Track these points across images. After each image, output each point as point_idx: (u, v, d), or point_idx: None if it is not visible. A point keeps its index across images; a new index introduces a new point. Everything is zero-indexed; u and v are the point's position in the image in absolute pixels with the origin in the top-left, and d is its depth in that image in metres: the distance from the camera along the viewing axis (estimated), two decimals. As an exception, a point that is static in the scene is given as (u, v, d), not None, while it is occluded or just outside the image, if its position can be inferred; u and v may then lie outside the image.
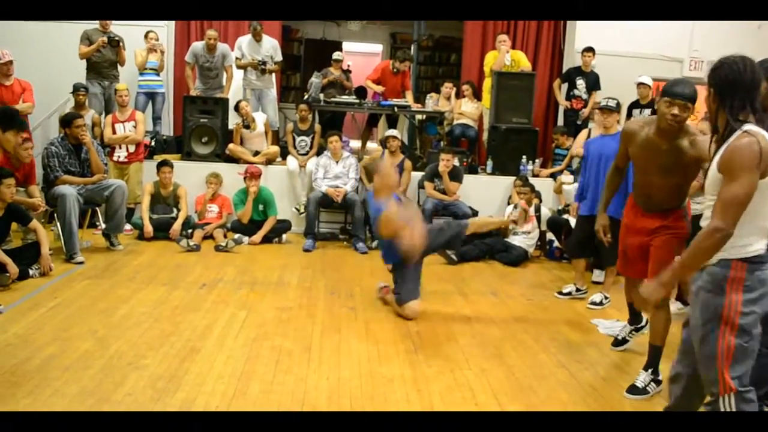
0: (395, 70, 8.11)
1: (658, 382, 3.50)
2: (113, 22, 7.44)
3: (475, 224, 5.19)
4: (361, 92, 8.48)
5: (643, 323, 3.95)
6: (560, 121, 8.66)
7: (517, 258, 6.35)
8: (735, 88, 2.31)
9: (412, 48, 10.34)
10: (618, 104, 5.00)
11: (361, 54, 12.69)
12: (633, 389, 3.47)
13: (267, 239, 6.66)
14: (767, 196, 2.30)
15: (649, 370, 3.49)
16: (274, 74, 8.19)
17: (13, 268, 4.67)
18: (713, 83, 2.38)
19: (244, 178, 6.79)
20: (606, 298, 5.00)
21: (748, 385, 2.38)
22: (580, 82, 8.17)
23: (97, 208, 6.33)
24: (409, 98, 8.12)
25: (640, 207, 3.53)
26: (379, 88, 8.14)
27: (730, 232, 2.27)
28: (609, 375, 3.69)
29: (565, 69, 8.76)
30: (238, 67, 7.94)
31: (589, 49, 8.08)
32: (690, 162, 3.30)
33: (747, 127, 2.28)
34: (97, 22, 7.34)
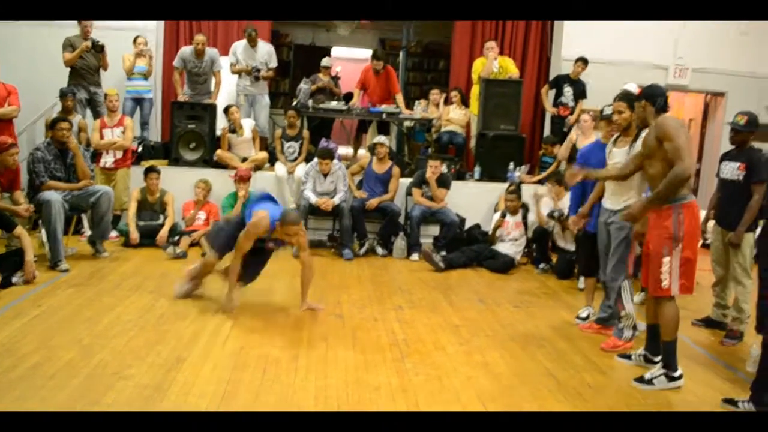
0: (374, 71, 8.13)
1: (671, 378, 3.59)
2: (97, 25, 7.40)
3: None
4: (349, 98, 8.49)
5: (657, 359, 3.85)
6: (547, 128, 8.72)
7: (504, 265, 6.38)
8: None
9: (401, 54, 10.37)
10: None
11: (351, 60, 12.68)
12: (640, 378, 3.63)
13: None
14: None
15: (662, 365, 3.63)
16: (267, 80, 8.18)
17: (-4, 276, 4.62)
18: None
19: (234, 182, 6.77)
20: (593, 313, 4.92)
21: None
22: (568, 90, 8.22)
23: (83, 215, 6.30)
24: (399, 102, 8.12)
25: None
26: (356, 99, 8.14)
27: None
28: (596, 382, 3.71)
29: (552, 76, 8.82)
30: (232, 72, 7.92)
31: (583, 60, 8.12)
32: (654, 147, 3.63)
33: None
34: (79, 28, 7.29)
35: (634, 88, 7.65)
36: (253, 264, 4.73)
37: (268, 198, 4.87)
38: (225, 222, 4.90)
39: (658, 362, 3.81)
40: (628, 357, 4.06)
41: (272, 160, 7.54)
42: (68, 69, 7.31)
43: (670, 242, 3.60)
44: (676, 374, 3.66)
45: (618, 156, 4.22)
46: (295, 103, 7.97)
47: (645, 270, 3.78)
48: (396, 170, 7.06)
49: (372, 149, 7.22)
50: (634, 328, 4.31)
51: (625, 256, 4.23)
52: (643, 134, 3.85)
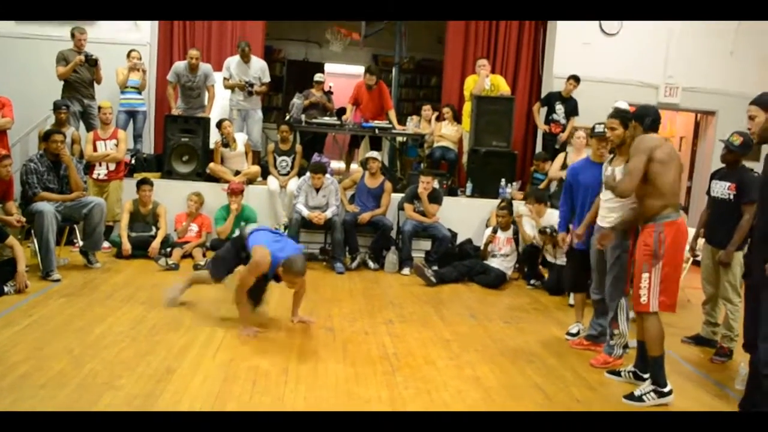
0: (367, 86, 8.19)
1: (661, 394, 3.62)
2: (91, 39, 7.45)
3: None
4: (342, 113, 8.55)
5: (646, 376, 3.87)
6: (539, 145, 8.79)
7: (495, 280, 6.41)
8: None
9: (393, 70, 10.44)
10: None
11: (343, 75, 12.77)
12: (630, 395, 3.66)
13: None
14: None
15: (651, 381, 3.67)
16: (260, 95, 8.22)
17: (-12, 285, 4.61)
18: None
19: (227, 195, 6.80)
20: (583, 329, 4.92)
21: None
22: (560, 107, 8.31)
23: (75, 226, 6.29)
24: (392, 117, 8.16)
25: None
26: (349, 114, 8.19)
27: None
28: (584, 397, 3.73)
29: (543, 93, 8.91)
30: (225, 87, 7.97)
31: (574, 78, 8.22)
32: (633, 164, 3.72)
33: None
34: (72, 42, 7.34)
35: (625, 106, 7.76)
36: (256, 290, 4.68)
37: (268, 230, 4.82)
38: (224, 253, 4.81)
39: (647, 379, 3.84)
40: (618, 374, 4.08)
41: (265, 174, 7.57)
42: (62, 82, 7.35)
43: (650, 259, 3.65)
44: (666, 389, 3.69)
45: (618, 174, 4.09)
46: (287, 117, 8.01)
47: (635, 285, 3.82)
48: (388, 185, 7.10)
49: (364, 164, 7.27)
50: (625, 347, 4.32)
51: (622, 274, 4.20)
52: None
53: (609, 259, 4.22)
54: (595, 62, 8.76)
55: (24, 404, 3.07)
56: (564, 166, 7.14)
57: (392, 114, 8.23)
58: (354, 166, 8.95)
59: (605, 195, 4.21)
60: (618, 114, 4.14)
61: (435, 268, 6.57)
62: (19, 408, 3.03)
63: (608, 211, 4.21)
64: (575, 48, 8.79)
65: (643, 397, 3.66)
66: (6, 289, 4.88)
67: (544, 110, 8.55)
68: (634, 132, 3.90)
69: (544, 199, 6.55)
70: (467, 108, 8.20)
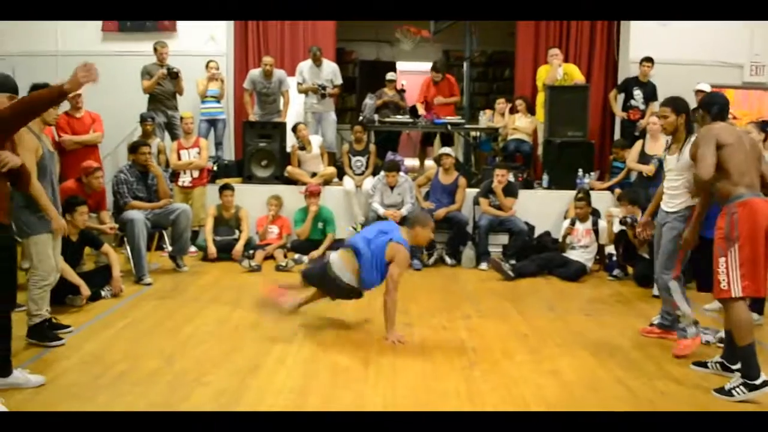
0: (434, 81, 8.20)
1: (752, 387, 3.43)
2: (171, 52, 7.81)
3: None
4: (415, 111, 8.59)
5: (735, 367, 3.71)
6: (617, 133, 8.55)
7: (575, 273, 6.28)
8: None
9: (465, 64, 10.38)
10: None
11: (415, 73, 12.79)
12: (720, 389, 3.51)
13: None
14: None
15: (742, 374, 3.50)
16: (333, 97, 8.38)
17: (86, 290, 4.93)
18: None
19: (305, 197, 6.97)
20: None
21: None
22: (638, 93, 8.05)
23: (164, 232, 6.61)
24: (451, 100, 8.33)
25: None
26: (421, 111, 8.24)
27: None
28: (669, 389, 3.62)
29: (620, 79, 8.65)
30: (299, 91, 8.18)
31: (648, 59, 7.96)
32: (694, 155, 3.76)
33: None
34: (154, 56, 7.72)
35: (707, 88, 7.45)
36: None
37: (360, 236, 4.63)
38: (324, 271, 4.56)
39: (736, 370, 3.68)
40: (704, 365, 3.93)
41: (340, 174, 7.71)
42: (147, 95, 7.73)
43: (723, 242, 3.54)
44: (758, 382, 3.44)
45: (671, 163, 4.22)
46: (361, 118, 8.13)
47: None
48: (462, 181, 7.09)
49: (438, 160, 7.28)
50: (696, 323, 4.20)
51: (674, 254, 4.19)
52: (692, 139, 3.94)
53: (665, 238, 4.23)
54: (673, 43, 8.38)
55: (122, 400, 3.28)
56: (642, 154, 6.92)
57: (455, 99, 8.46)
58: (428, 162, 8.98)
59: (667, 182, 4.25)
60: (671, 101, 4.20)
61: (512, 262, 6.51)
62: (117, 403, 3.24)
63: (670, 197, 4.24)
64: (651, 29, 8.43)
65: (733, 391, 3.47)
66: (103, 293, 5.20)
67: (621, 97, 8.30)
68: (702, 121, 3.86)
69: (640, 202, 6.11)
70: (540, 99, 8.08)
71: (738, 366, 3.65)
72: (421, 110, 8.30)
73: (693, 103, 7.45)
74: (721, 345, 4.11)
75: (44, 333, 4.08)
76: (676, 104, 4.16)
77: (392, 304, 4.33)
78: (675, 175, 4.18)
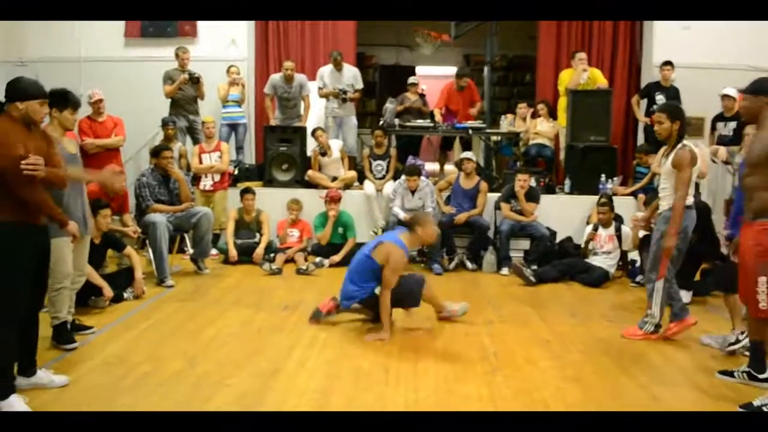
0: (459, 87, 8.18)
1: None
2: (192, 57, 7.88)
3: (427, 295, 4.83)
4: (432, 117, 8.56)
5: (762, 376, 3.62)
6: (640, 137, 8.46)
7: (597, 279, 6.22)
8: None
9: (485, 69, 10.34)
10: None
11: (436, 77, 12.78)
12: (747, 405, 3.33)
13: (345, 262, 6.79)
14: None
15: None
16: (354, 102, 8.40)
17: (109, 292, 4.98)
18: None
19: (325, 202, 6.99)
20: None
21: None
22: (660, 97, 7.96)
23: (185, 234, 6.66)
24: (477, 109, 8.35)
25: None
26: (438, 118, 8.17)
27: None
28: (693, 397, 3.56)
29: (643, 83, 8.58)
30: (320, 96, 8.21)
31: (668, 63, 7.90)
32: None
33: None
34: (175, 62, 7.81)
35: (734, 93, 7.35)
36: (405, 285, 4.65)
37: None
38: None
39: (763, 379, 3.61)
40: (731, 374, 3.84)
41: (361, 178, 7.72)
42: (168, 100, 7.80)
43: (765, 261, 3.34)
44: None
45: (662, 166, 4.38)
46: (381, 122, 8.14)
47: (743, 286, 3.54)
48: (483, 185, 7.06)
49: (459, 165, 7.26)
50: (658, 327, 4.41)
51: (659, 256, 4.27)
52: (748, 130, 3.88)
53: (652, 241, 4.39)
54: (697, 47, 8.27)
55: (145, 401, 3.30)
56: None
57: (478, 105, 8.47)
58: (448, 167, 8.95)
59: (661, 183, 4.45)
60: (666, 108, 4.32)
61: (534, 267, 6.47)
62: (141, 404, 3.26)
63: (661, 199, 4.43)
64: (674, 33, 8.33)
65: (764, 407, 3.28)
66: (126, 295, 5.25)
67: (644, 102, 8.22)
68: (756, 108, 3.48)
69: None
70: (562, 103, 8.03)
71: (766, 375, 3.58)
72: (438, 116, 8.24)
73: (719, 108, 7.48)
74: (731, 352, 4.16)
75: (60, 335, 4.07)
76: (671, 111, 4.29)
77: (382, 302, 4.45)
78: (663, 179, 4.39)
